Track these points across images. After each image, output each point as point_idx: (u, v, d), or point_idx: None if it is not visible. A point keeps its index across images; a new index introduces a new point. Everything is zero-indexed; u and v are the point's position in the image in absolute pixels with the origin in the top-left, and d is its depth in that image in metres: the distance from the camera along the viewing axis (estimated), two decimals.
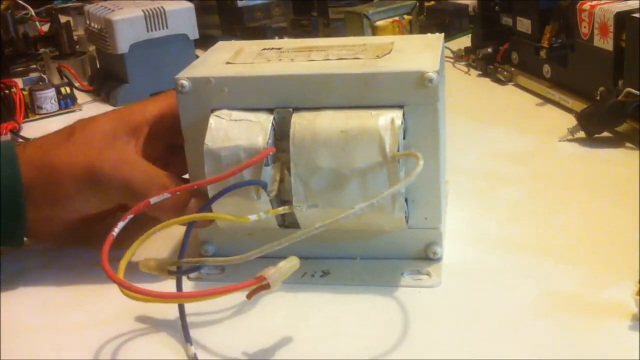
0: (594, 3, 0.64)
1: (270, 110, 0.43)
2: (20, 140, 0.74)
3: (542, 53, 0.71)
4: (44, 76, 0.86)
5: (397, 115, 0.41)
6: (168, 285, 0.41)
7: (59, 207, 0.46)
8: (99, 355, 0.39)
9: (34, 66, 0.95)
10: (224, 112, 0.43)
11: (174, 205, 0.44)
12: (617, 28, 0.61)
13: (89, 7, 0.86)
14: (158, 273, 0.40)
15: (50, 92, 0.80)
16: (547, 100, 0.72)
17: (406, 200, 0.43)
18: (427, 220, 0.44)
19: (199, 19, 0.86)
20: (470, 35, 0.87)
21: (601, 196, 0.53)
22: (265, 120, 0.42)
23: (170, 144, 0.49)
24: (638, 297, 0.38)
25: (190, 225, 0.42)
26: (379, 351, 0.38)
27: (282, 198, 0.43)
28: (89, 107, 0.83)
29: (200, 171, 0.43)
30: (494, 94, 0.77)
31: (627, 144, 0.61)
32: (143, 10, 0.81)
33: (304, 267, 0.40)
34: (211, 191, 0.42)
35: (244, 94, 0.43)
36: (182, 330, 0.40)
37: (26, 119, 0.78)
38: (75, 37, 0.94)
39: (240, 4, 0.97)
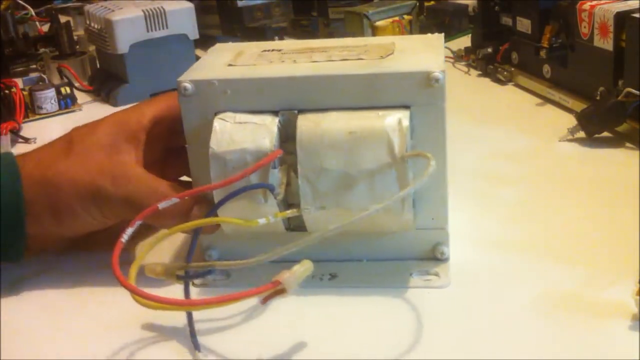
0: (594, 3, 0.64)
1: (274, 113, 0.42)
2: (20, 140, 0.74)
3: (542, 53, 0.71)
4: (44, 76, 0.86)
5: (404, 115, 0.41)
6: (172, 291, 0.41)
7: (62, 223, 0.45)
8: None
9: (34, 66, 0.95)
10: (228, 115, 0.42)
11: (180, 211, 0.43)
12: (617, 28, 0.61)
13: (89, 7, 0.86)
14: (165, 278, 0.39)
15: (50, 92, 0.80)
16: (547, 100, 0.72)
17: (413, 200, 0.43)
18: (434, 220, 0.44)
19: (199, 19, 0.86)
20: (470, 35, 0.87)
21: (601, 196, 0.53)
22: (271, 123, 0.42)
23: (167, 146, 0.49)
24: (638, 297, 0.38)
25: (197, 231, 0.41)
26: (394, 354, 0.38)
27: (288, 201, 0.43)
28: (89, 107, 0.83)
29: (203, 175, 0.43)
30: (494, 94, 0.77)
31: (627, 144, 0.61)
32: (143, 10, 0.81)
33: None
34: (217, 195, 0.42)
35: (248, 96, 0.43)
36: (190, 336, 0.39)
37: (26, 119, 0.78)
38: (75, 37, 0.94)
39: (240, 4, 0.97)
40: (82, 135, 0.47)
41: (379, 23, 0.84)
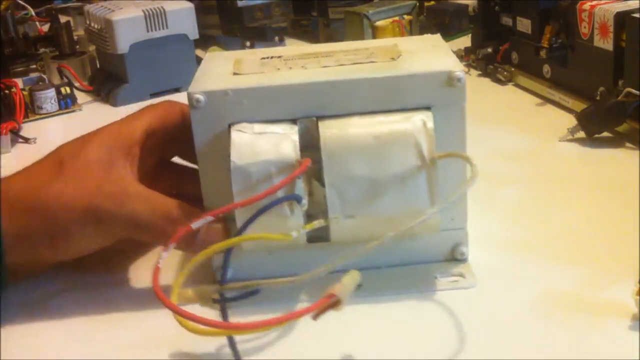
0: (594, 3, 0.64)
1: (292, 121, 0.41)
2: (20, 140, 0.74)
3: (542, 53, 0.71)
4: (44, 76, 0.86)
5: (427, 116, 0.41)
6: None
7: (57, 248, 0.43)
8: None
9: (34, 66, 0.95)
10: (245, 126, 0.41)
11: (221, 230, 0.41)
12: (617, 28, 0.61)
13: (89, 7, 0.86)
14: (201, 303, 0.37)
15: (50, 92, 0.80)
16: (547, 100, 0.72)
17: None
18: (454, 220, 0.44)
19: (199, 19, 0.86)
20: (470, 35, 0.87)
21: (601, 196, 0.53)
22: (291, 131, 0.41)
23: (159, 158, 0.48)
24: (638, 297, 0.38)
25: (230, 249, 0.39)
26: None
27: (309, 212, 0.41)
28: (89, 107, 0.83)
29: (217, 189, 0.42)
30: (494, 94, 0.77)
31: (627, 144, 0.61)
32: (143, 10, 0.81)
33: None
34: (241, 212, 0.40)
35: (264, 105, 0.41)
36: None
37: (26, 119, 0.78)
38: (75, 37, 0.94)
39: (240, 4, 0.97)
40: (73, 153, 0.44)
41: (379, 23, 0.84)
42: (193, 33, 0.85)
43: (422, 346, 0.38)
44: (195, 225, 0.38)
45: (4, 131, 0.72)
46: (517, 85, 0.78)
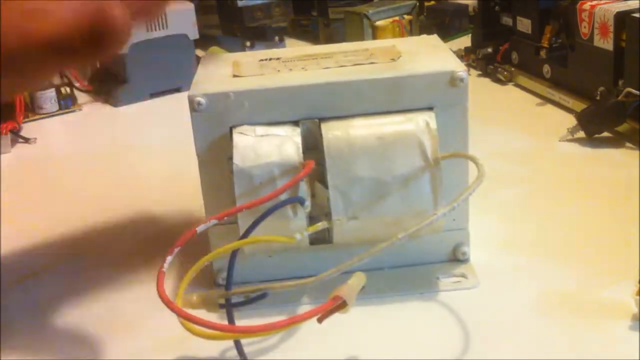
0: (594, 3, 0.64)
1: (294, 122, 0.41)
2: (20, 140, 0.74)
3: (542, 53, 0.71)
4: None
5: (430, 117, 0.41)
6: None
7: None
8: None
9: None
10: (247, 128, 0.41)
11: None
12: (617, 28, 0.61)
13: None
14: (207, 309, 0.37)
15: (50, 92, 0.80)
16: (547, 100, 0.72)
17: None
18: (455, 221, 0.44)
19: (199, 19, 0.86)
20: (470, 35, 0.87)
21: (601, 196, 0.53)
22: (294, 133, 0.41)
23: None
24: (638, 297, 0.38)
25: (234, 253, 0.39)
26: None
27: (311, 214, 0.41)
28: (89, 107, 0.83)
29: (218, 191, 0.42)
30: (494, 94, 0.77)
31: (627, 144, 0.61)
32: None
33: None
34: (243, 215, 0.39)
35: (267, 107, 0.41)
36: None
37: (26, 119, 0.78)
38: None
39: (240, 4, 0.97)
40: None
41: (379, 23, 0.84)
42: (193, 33, 0.85)
43: (425, 347, 0.38)
44: (199, 229, 0.38)
45: (4, 131, 0.72)
46: (517, 85, 0.78)
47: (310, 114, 0.41)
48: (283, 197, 0.39)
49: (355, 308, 0.35)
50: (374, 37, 0.84)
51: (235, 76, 0.43)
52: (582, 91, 0.67)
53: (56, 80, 0.86)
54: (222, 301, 0.37)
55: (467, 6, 0.98)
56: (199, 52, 0.87)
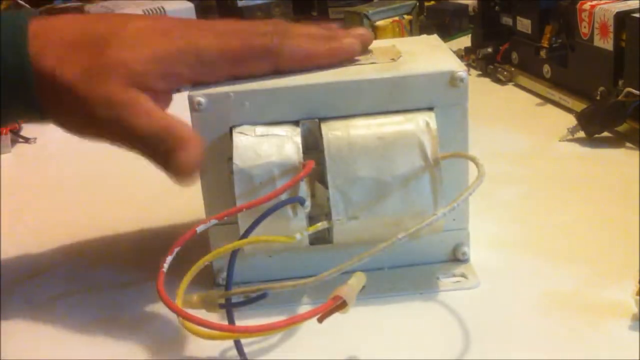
0: (594, 3, 0.64)
1: (295, 122, 0.41)
2: (21, 140, 0.74)
3: (542, 53, 0.71)
4: None
5: (430, 117, 0.41)
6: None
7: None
8: None
9: None
10: (247, 128, 0.41)
11: None
12: (617, 28, 0.61)
13: (89, 7, 0.86)
14: (207, 309, 0.37)
15: None
16: (547, 100, 0.72)
17: None
18: (455, 221, 0.44)
19: (199, 19, 0.86)
20: (470, 35, 0.87)
21: (601, 196, 0.53)
22: (294, 133, 0.41)
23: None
24: (638, 297, 0.38)
25: (234, 253, 0.39)
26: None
27: (311, 214, 0.41)
28: None
29: (218, 191, 0.42)
30: (494, 94, 0.77)
31: (627, 144, 0.61)
32: (143, 10, 0.81)
33: None
34: (243, 215, 0.39)
35: (267, 107, 0.41)
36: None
37: None
38: None
39: (240, 4, 0.97)
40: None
41: (379, 23, 0.84)
42: None
43: (425, 347, 0.38)
44: (199, 229, 0.38)
45: (4, 131, 0.72)
46: (517, 85, 0.78)
47: (310, 114, 0.41)
48: (283, 197, 0.39)
49: (356, 308, 0.35)
50: (374, 37, 0.84)
51: None
52: (582, 91, 0.67)
53: None
54: (222, 301, 0.37)
55: (467, 6, 0.98)
56: None
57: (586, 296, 0.41)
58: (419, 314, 0.41)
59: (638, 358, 0.36)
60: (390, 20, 0.85)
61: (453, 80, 0.41)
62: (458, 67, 0.41)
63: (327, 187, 0.40)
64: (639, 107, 0.59)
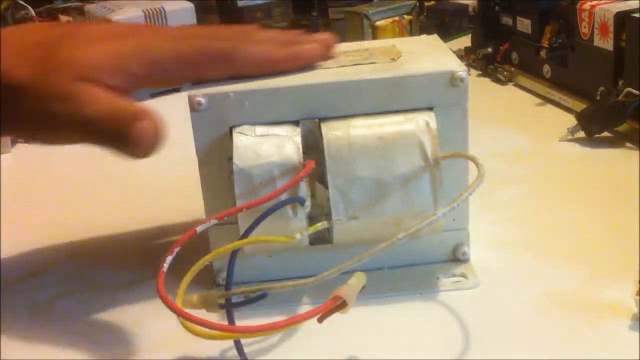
0: (594, 3, 0.64)
1: (295, 122, 0.41)
2: (20, 140, 0.74)
3: (542, 53, 0.71)
4: None
5: (430, 117, 0.41)
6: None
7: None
8: None
9: None
10: (246, 128, 0.41)
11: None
12: (617, 28, 0.61)
13: (89, 7, 0.87)
14: (207, 309, 0.37)
15: None
16: (547, 100, 0.72)
17: None
18: (455, 221, 0.44)
19: (199, 19, 0.86)
20: (470, 35, 0.87)
21: (601, 196, 0.53)
22: (294, 133, 0.41)
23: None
24: (638, 297, 0.38)
25: (234, 253, 0.39)
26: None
27: (311, 214, 0.41)
28: None
29: (218, 191, 0.42)
30: (494, 94, 0.77)
31: (627, 144, 0.61)
32: (143, 10, 0.82)
33: None
34: (243, 215, 0.39)
35: (266, 107, 0.41)
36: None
37: None
38: None
39: (240, 4, 0.97)
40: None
41: (379, 23, 0.84)
42: None
43: (426, 347, 0.38)
44: (199, 229, 0.38)
45: None
46: (517, 85, 0.78)
47: (310, 114, 0.41)
48: (283, 197, 0.39)
49: (355, 308, 0.35)
50: (374, 37, 0.84)
51: None
52: (582, 91, 0.67)
53: None
54: (222, 301, 0.37)
55: (467, 6, 0.98)
56: None
57: (586, 296, 0.41)
58: (419, 314, 0.41)
59: (638, 358, 0.36)
60: (390, 20, 0.85)
61: (453, 80, 0.41)
62: (458, 67, 0.41)
63: (327, 187, 0.40)
64: (639, 107, 0.59)
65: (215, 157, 0.42)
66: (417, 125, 0.40)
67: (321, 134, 0.40)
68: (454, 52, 0.86)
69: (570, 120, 0.64)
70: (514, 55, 0.78)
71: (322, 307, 0.34)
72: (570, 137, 0.62)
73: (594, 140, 0.62)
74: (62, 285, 0.47)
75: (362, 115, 0.41)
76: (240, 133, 0.41)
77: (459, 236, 0.44)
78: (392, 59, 0.43)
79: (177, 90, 0.84)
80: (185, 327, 0.35)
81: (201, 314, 0.35)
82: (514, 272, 0.44)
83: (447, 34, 0.95)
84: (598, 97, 0.63)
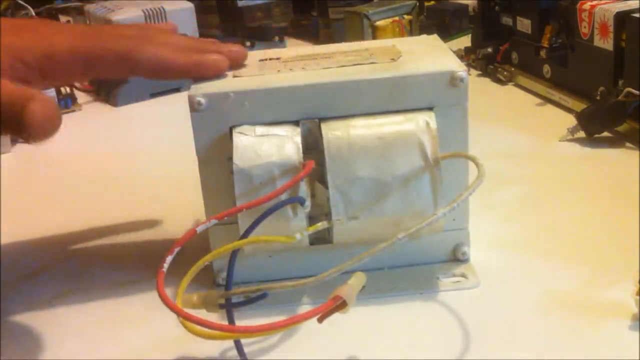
0: (594, 3, 0.64)
1: (295, 122, 0.41)
2: (20, 140, 0.74)
3: (542, 53, 0.71)
4: None
5: (430, 117, 0.41)
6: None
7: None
8: None
9: None
10: (246, 128, 0.41)
11: None
12: (617, 28, 0.61)
13: (89, 7, 0.87)
14: (207, 309, 0.37)
15: (50, 92, 0.80)
16: (547, 100, 0.72)
17: None
18: (455, 221, 0.44)
19: (199, 19, 0.86)
20: (470, 35, 0.87)
21: (601, 196, 0.53)
22: (294, 133, 0.41)
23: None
24: (638, 297, 0.38)
25: (234, 253, 0.39)
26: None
27: (311, 214, 0.41)
28: (89, 107, 0.83)
29: (218, 191, 0.42)
30: (494, 94, 0.77)
31: (627, 144, 0.61)
32: (143, 10, 0.82)
33: None
34: (243, 215, 0.39)
35: (267, 108, 0.41)
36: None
37: None
38: None
39: (240, 4, 0.97)
40: None
41: (379, 23, 0.84)
42: (193, 33, 0.85)
43: (425, 347, 0.38)
44: (199, 229, 0.38)
45: None
46: (517, 85, 0.78)
47: (310, 114, 0.41)
48: (283, 197, 0.39)
49: (355, 308, 0.35)
50: (374, 37, 0.84)
51: (235, 76, 0.43)
52: (582, 91, 0.67)
53: None
54: (222, 301, 0.37)
55: (467, 6, 0.98)
56: None
57: (586, 296, 0.41)
58: (419, 314, 0.41)
59: (638, 358, 0.36)
60: (390, 20, 0.85)
61: (453, 80, 0.41)
62: (458, 67, 0.41)
63: (327, 187, 0.40)
64: (639, 107, 0.59)
65: (215, 157, 0.42)
66: (417, 125, 0.40)
67: (321, 134, 0.41)
68: (454, 52, 0.86)
69: (570, 120, 0.64)
70: (514, 55, 0.78)
71: (322, 307, 0.34)
72: (570, 137, 0.62)
73: (594, 140, 0.62)
74: (62, 285, 0.47)
75: (362, 115, 0.41)
76: (240, 133, 0.41)
77: (459, 236, 0.44)
78: (392, 59, 0.43)
79: (177, 90, 0.84)
80: (185, 327, 0.35)
81: (201, 314, 0.35)
82: (514, 272, 0.44)
83: (447, 34, 0.95)
84: (598, 97, 0.63)
